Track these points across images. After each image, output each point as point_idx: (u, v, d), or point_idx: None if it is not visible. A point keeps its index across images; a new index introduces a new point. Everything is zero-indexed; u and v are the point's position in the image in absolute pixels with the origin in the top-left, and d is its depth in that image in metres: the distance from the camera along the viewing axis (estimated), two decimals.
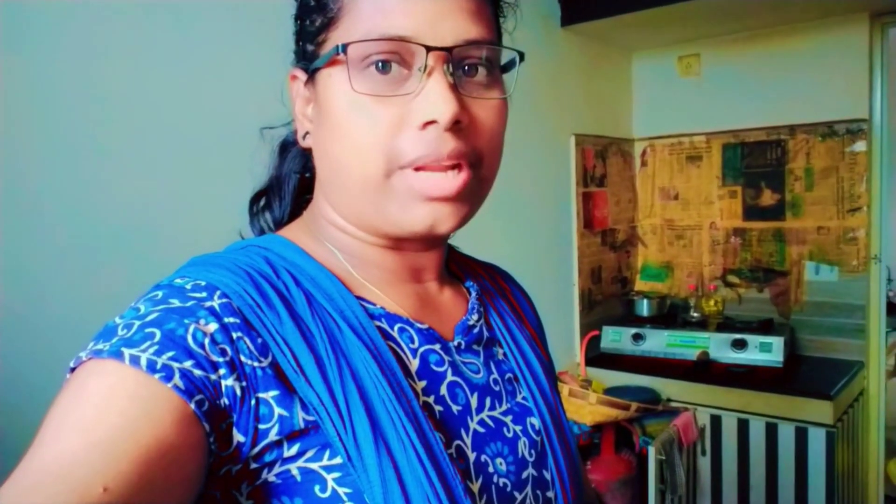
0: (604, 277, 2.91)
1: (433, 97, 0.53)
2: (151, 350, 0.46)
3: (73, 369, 0.48)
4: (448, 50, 0.54)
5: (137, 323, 0.49)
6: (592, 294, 2.83)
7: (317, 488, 0.50)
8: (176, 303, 0.51)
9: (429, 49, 0.53)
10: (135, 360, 0.45)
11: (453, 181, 0.55)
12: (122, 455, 0.41)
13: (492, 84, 0.58)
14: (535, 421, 0.65)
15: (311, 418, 0.50)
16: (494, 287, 0.75)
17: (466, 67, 0.57)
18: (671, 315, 2.89)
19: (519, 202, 2.42)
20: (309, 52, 0.60)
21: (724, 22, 2.65)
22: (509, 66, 0.61)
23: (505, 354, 0.68)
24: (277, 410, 0.49)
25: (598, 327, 2.74)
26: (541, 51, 2.50)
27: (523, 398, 0.66)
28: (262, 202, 0.71)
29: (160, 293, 0.52)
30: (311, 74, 0.59)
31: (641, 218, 3.14)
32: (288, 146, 0.71)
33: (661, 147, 3.07)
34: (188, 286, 0.53)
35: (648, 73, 3.07)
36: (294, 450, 0.50)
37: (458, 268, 0.74)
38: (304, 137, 0.63)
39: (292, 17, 0.63)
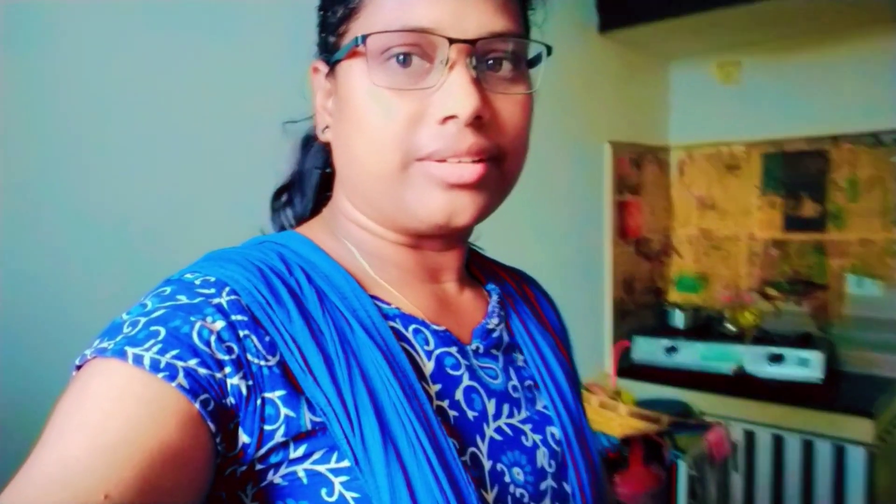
0: (636, 287, 2.85)
1: (454, 91, 0.52)
2: (155, 349, 0.45)
3: (78, 367, 0.47)
4: (471, 42, 0.52)
5: (143, 320, 0.48)
6: (625, 304, 2.78)
7: (323, 491, 0.48)
8: (183, 299, 0.49)
9: (451, 41, 0.52)
10: (138, 360, 0.44)
11: (473, 169, 0.53)
12: (125, 461, 0.40)
13: (517, 79, 0.56)
14: (556, 431, 0.63)
15: (318, 419, 0.49)
16: (517, 291, 0.73)
17: (491, 62, 0.55)
18: (706, 327, 2.82)
19: (552, 209, 2.39)
20: (330, 44, 0.58)
21: (766, 29, 2.58)
22: (537, 60, 0.59)
23: (525, 361, 0.66)
24: (284, 411, 0.48)
25: (629, 338, 2.68)
26: (577, 57, 2.46)
27: (544, 406, 0.64)
28: (284, 198, 0.71)
29: (168, 289, 0.51)
30: (332, 66, 0.58)
31: (677, 227, 3.08)
32: (310, 141, 0.70)
33: (699, 155, 3.01)
34: (197, 282, 0.52)
35: (687, 80, 3.01)
36: (300, 451, 0.48)
37: (479, 270, 0.72)
38: (323, 131, 0.62)
39: (316, 7, 0.62)
